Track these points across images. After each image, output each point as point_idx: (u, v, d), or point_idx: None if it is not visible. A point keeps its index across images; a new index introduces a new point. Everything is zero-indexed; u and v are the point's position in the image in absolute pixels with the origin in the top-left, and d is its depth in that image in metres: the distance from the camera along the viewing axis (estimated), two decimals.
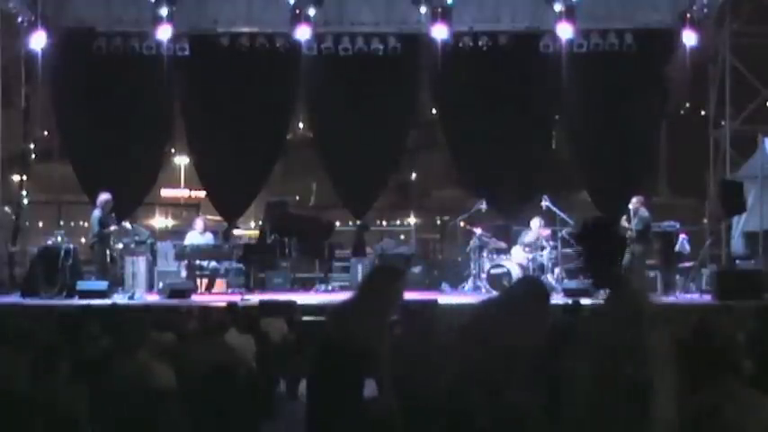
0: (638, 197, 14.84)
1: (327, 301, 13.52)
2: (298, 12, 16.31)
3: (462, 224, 16.82)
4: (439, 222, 25.62)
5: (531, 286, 4.85)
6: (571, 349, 4.07)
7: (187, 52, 17.02)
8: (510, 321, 4.33)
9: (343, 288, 16.28)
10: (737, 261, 16.27)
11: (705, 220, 18.05)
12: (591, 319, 4.09)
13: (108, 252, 14.97)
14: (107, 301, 12.68)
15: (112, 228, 14.98)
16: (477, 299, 12.31)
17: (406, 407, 4.62)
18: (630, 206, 14.75)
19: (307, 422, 4.70)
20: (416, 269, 16.92)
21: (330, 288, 16.15)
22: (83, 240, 18.81)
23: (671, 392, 3.90)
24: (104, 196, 15.01)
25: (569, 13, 16.10)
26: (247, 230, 20.33)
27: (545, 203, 15.67)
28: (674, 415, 3.89)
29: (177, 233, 18.43)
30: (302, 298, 13.95)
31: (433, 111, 19.65)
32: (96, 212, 14.93)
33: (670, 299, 14.80)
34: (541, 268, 15.08)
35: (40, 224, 21.74)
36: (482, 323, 4.44)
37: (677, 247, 15.60)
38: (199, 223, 16.79)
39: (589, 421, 3.87)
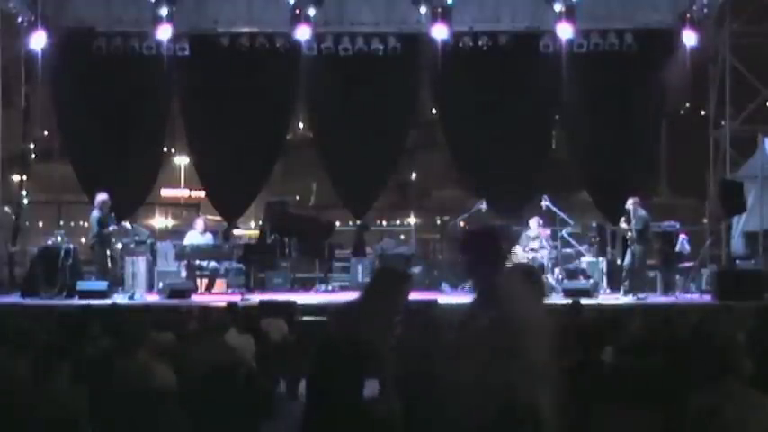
0: (634, 198, 14.82)
1: (327, 301, 13.54)
2: (298, 12, 16.31)
3: (462, 224, 16.81)
4: (439, 222, 25.62)
5: (519, 270, 4.87)
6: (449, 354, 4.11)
7: (187, 52, 17.02)
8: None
9: (343, 288, 16.29)
10: (737, 261, 16.27)
11: (705, 220, 18.06)
12: (469, 327, 4.10)
13: (108, 252, 14.97)
14: (107, 301, 12.68)
15: (112, 228, 14.98)
16: None
17: (407, 407, 4.62)
18: (628, 207, 14.74)
19: (305, 422, 4.70)
20: (416, 269, 16.92)
21: (330, 288, 16.15)
22: (83, 240, 18.82)
23: (549, 398, 3.90)
24: (102, 197, 15.00)
25: (569, 13, 16.10)
26: (247, 230, 20.33)
27: (545, 203, 15.67)
28: (556, 420, 3.90)
29: (177, 233, 18.42)
30: (302, 298, 13.95)
31: (433, 111, 19.66)
32: (95, 213, 14.93)
33: (670, 299, 14.82)
34: (541, 268, 15.06)
35: (40, 224, 21.75)
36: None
37: (677, 247, 15.60)
38: (199, 223, 16.79)
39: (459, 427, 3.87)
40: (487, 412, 3.85)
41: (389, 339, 5.00)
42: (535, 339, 3.93)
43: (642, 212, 14.78)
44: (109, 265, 14.94)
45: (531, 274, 4.88)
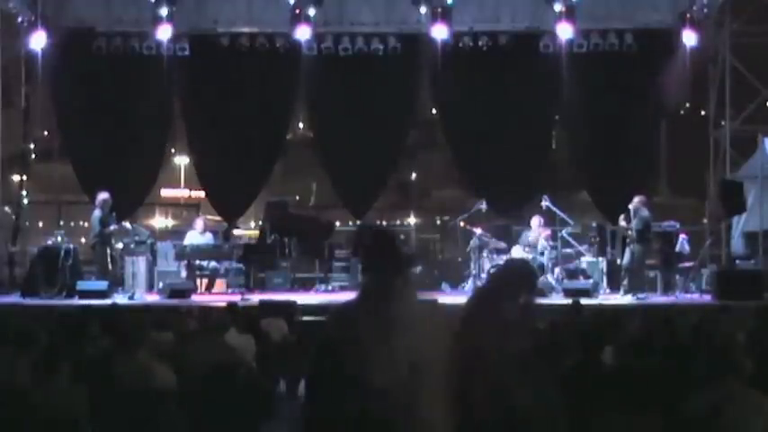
0: (640, 197, 14.80)
1: (327, 302, 13.54)
2: (298, 12, 16.31)
3: (462, 224, 16.81)
4: (439, 222, 25.62)
5: (514, 267, 4.87)
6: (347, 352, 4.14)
7: (187, 52, 17.01)
8: (501, 306, 4.34)
9: (343, 288, 16.29)
10: (737, 261, 16.27)
11: (705, 220, 18.05)
12: (367, 325, 4.12)
13: (109, 252, 14.97)
14: (107, 301, 12.67)
15: (113, 227, 14.98)
16: None
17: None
18: (631, 206, 14.72)
19: (305, 422, 4.69)
20: (416, 269, 16.92)
21: (330, 288, 16.15)
22: (83, 240, 18.82)
23: (437, 395, 3.91)
24: (103, 196, 15.01)
25: (569, 13, 16.09)
26: (247, 230, 20.32)
27: (545, 203, 15.67)
28: (440, 415, 3.90)
29: (177, 233, 18.41)
30: (302, 298, 13.96)
31: (433, 111, 19.65)
32: (96, 212, 14.93)
33: (670, 299, 14.82)
34: (541, 268, 15.08)
35: (40, 224, 21.74)
36: (475, 312, 4.45)
37: (677, 247, 15.60)
38: (199, 223, 16.79)
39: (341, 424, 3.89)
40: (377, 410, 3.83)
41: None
42: (422, 341, 3.93)
43: (645, 213, 14.74)
44: (110, 265, 14.94)
45: (526, 268, 4.87)
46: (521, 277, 4.52)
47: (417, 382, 3.87)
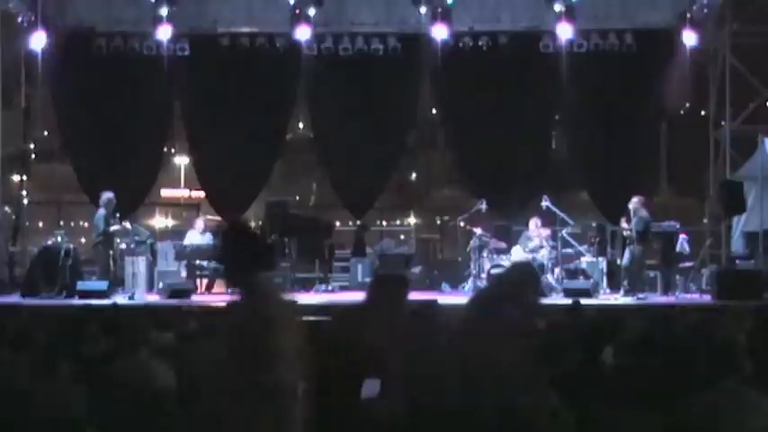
0: (639, 197, 14.80)
1: (327, 302, 13.54)
2: (298, 12, 16.32)
3: (462, 224, 16.80)
4: (439, 222, 25.59)
5: (519, 271, 4.87)
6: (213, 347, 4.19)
7: (187, 52, 17.03)
8: (501, 306, 4.34)
9: (343, 288, 16.30)
10: (737, 261, 16.25)
11: (705, 220, 18.05)
12: (224, 321, 4.14)
13: (111, 252, 14.97)
14: (107, 301, 12.67)
15: (117, 227, 14.99)
16: None
17: (408, 407, 4.62)
18: (630, 206, 14.73)
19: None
20: (416, 269, 16.92)
21: (330, 288, 16.14)
22: (83, 240, 18.82)
23: (301, 392, 3.96)
24: (107, 195, 15.02)
25: (569, 13, 16.11)
26: None
27: (545, 203, 15.66)
28: (308, 415, 3.95)
29: (177, 233, 18.42)
30: (302, 298, 13.95)
31: (433, 111, 19.65)
32: (101, 211, 14.94)
33: (670, 299, 14.82)
34: (541, 268, 15.07)
35: (40, 224, 21.74)
36: (476, 315, 4.46)
37: (677, 247, 15.59)
38: (199, 223, 16.79)
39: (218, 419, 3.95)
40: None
41: (393, 341, 5.01)
42: (282, 340, 3.96)
43: (644, 213, 14.74)
44: (111, 265, 14.94)
45: (529, 272, 4.88)
46: (525, 280, 4.53)
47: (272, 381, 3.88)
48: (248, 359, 3.92)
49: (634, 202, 14.70)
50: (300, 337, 4.08)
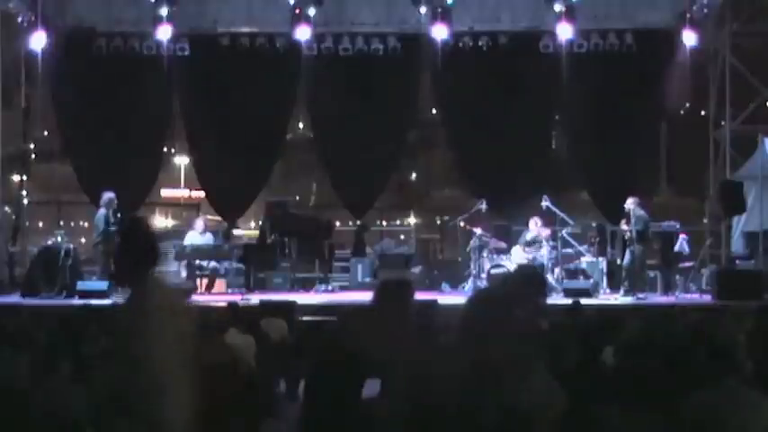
0: (633, 198, 14.81)
1: (327, 302, 13.53)
2: (298, 12, 16.32)
3: (462, 224, 16.80)
4: (439, 222, 25.60)
5: (525, 273, 4.87)
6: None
7: (187, 52, 17.03)
8: (506, 309, 4.34)
9: (343, 288, 16.29)
10: (737, 261, 16.26)
11: (705, 220, 18.05)
12: (113, 317, 4.14)
13: (111, 252, 14.96)
14: (107, 301, 12.67)
15: (117, 227, 14.97)
16: None
17: (408, 407, 4.62)
18: (626, 207, 14.74)
19: (304, 423, 4.70)
20: (416, 269, 16.91)
21: (330, 288, 16.13)
22: (83, 240, 18.83)
23: (183, 390, 3.96)
24: (108, 195, 15.02)
25: (569, 13, 16.11)
26: (247, 230, 20.32)
27: (545, 203, 15.65)
28: (187, 414, 3.95)
29: (177, 233, 18.42)
30: (302, 298, 13.95)
31: (433, 111, 19.65)
32: (102, 211, 14.94)
33: (670, 299, 14.82)
34: (541, 268, 15.07)
35: (40, 224, 21.75)
36: (479, 313, 4.45)
37: (677, 247, 15.60)
38: (199, 223, 16.78)
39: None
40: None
41: (396, 342, 5.02)
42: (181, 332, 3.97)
43: (641, 212, 14.76)
44: (111, 264, 14.93)
45: (533, 274, 4.88)
46: (531, 281, 4.53)
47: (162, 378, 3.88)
48: (140, 360, 3.91)
49: (629, 203, 14.71)
50: (192, 335, 4.06)
